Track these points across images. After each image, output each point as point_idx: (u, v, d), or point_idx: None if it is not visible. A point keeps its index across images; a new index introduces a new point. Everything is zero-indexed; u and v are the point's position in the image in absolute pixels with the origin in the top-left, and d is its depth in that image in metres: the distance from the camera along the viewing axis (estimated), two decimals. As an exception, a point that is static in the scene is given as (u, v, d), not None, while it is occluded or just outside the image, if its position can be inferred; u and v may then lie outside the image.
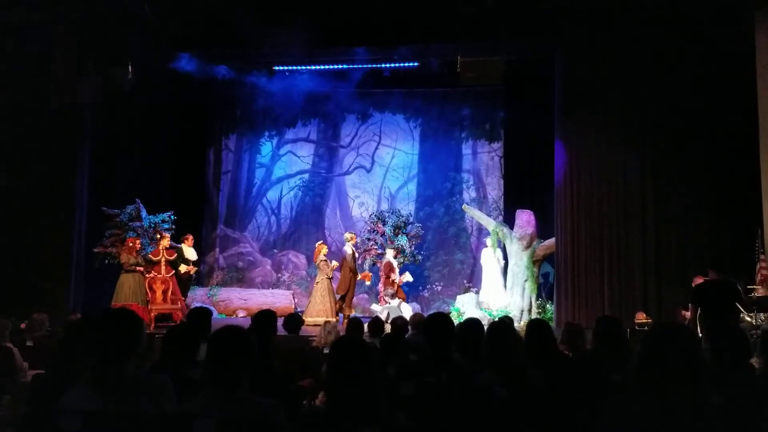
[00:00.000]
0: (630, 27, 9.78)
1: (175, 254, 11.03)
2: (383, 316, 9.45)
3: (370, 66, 12.24)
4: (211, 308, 10.32)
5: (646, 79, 9.77)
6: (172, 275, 10.77)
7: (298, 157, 14.75)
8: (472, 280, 13.34)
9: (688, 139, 9.59)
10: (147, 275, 10.52)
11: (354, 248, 11.79)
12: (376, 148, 14.58)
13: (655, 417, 2.18)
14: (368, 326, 6.74)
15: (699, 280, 7.47)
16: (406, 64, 12.11)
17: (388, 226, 12.40)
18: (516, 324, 9.68)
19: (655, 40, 9.72)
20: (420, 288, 13.45)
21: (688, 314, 8.37)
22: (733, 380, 3.13)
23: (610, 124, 9.98)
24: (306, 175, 14.72)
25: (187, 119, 13.82)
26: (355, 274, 11.62)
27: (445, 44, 10.53)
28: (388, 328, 6.88)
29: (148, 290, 10.46)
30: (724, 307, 6.21)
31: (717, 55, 9.34)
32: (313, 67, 12.44)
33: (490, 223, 12.03)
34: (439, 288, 13.61)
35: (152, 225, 11.33)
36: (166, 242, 10.91)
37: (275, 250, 14.44)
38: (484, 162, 14.15)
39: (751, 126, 8.98)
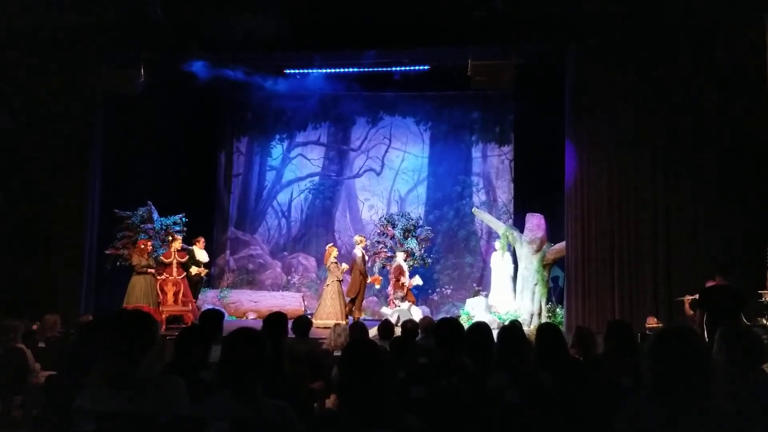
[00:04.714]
0: (641, 29, 9.75)
1: (187, 256, 11.10)
2: (393, 319, 9.47)
3: (380, 69, 12.24)
4: (222, 310, 10.34)
5: (657, 81, 9.72)
6: (183, 277, 10.83)
7: (309, 160, 14.80)
8: (481, 283, 13.31)
9: (699, 142, 9.52)
10: (158, 277, 10.58)
11: (364, 251, 11.81)
12: (386, 151, 14.61)
13: (667, 421, 2.18)
14: (378, 329, 6.75)
15: (711, 284, 7.44)
16: (417, 68, 12.10)
17: (398, 229, 12.40)
18: (526, 328, 9.66)
19: (666, 42, 9.68)
20: (429, 291, 13.44)
21: (688, 309, 8.35)
22: (746, 385, 3.12)
23: (621, 127, 9.93)
24: (316, 178, 14.76)
25: (198, 122, 13.89)
26: (365, 276, 11.64)
27: (455, 48, 10.52)
28: (398, 331, 6.89)
29: (159, 292, 10.52)
30: (729, 313, 6.19)
31: (729, 56, 9.29)
32: (323, 71, 12.47)
33: (499, 227, 12.01)
34: (449, 291, 13.60)
35: (164, 227, 11.40)
36: (177, 244, 10.97)
37: (285, 253, 14.48)
38: (494, 165, 14.15)
39: (764, 128, 8.94)
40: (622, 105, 9.92)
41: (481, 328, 4.04)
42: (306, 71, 12.54)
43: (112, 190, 11.36)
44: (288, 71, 12.53)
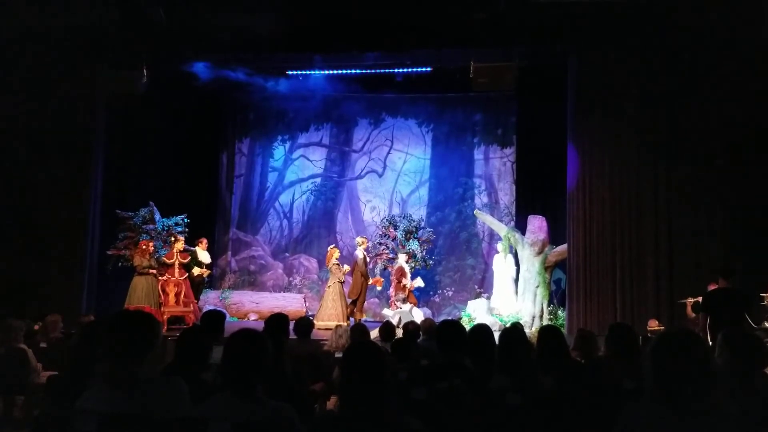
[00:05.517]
0: (642, 30, 9.74)
1: (189, 257, 11.11)
2: (395, 321, 9.47)
3: (383, 71, 12.25)
4: (224, 311, 10.35)
5: (659, 82, 9.72)
6: (185, 278, 10.83)
7: (311, 161, 14.81)
8: (483, 285, 13.31)
9: (702, 144, 9.52)
10: (160, 278, 10.59)
11: (365, 252, 11.81)
12: (388, 153, 14.61)
13: (668, 424, 2.18)
14: (380, 331, 6.76)
15: (713, 287, 7.43)
16: (419, 69, 12.10)
17: (400, 230, 12.40)
18: (527, 330, 9.66)
19: (667, 43, 9.68)
20: (431, 293, 13.43)
21: (690, 312, 8.34)
22: (748, 388, 3.11)
23: (624, 130, 9.93)
24: (318, 180, 14.77)
25: (200, 123, 13.91)
26: (367, 278, 11.64)
27: (458, 49, 10.53)
28: (399, 332, 6.89)
29: (161, 293, 10.53)
30: (733, 317, 6.17)
31: (732, 58, 9.29)
32: (326, 72, 12.47)
33: (501, 229, 12.01)
34: (450, 293, 13.59)
35: (166, 228, 11.41)
36: (180, 245, 10.98)
37: (287, 254, 14.49)
38: (496, 167, 14.14)
39: (766, 128, 8.93)
40: (624, 107, 9.92)
41: (483, 330, 4.04)
42: (308, 72, 12.55)
43: (114, 190, 11.38)
44: (290, 72, 12.54)
